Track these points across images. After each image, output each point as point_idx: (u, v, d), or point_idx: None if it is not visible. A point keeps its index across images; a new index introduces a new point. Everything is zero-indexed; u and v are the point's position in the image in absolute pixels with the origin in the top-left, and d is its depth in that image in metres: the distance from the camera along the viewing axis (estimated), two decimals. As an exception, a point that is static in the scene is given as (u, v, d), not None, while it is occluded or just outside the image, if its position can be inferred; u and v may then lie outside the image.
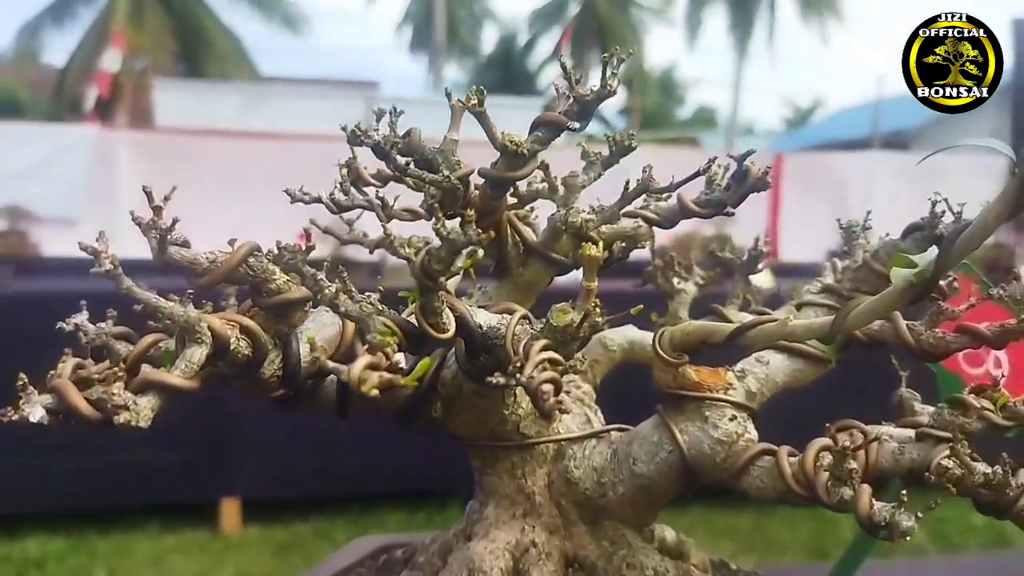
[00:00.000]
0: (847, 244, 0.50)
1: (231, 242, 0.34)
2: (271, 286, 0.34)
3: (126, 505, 2.02)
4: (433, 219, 0.33)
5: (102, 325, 0.36)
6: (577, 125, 0.42)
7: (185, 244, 0.33)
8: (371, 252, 0.51)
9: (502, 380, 0.32)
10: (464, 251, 0.34)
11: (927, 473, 0.38)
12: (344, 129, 0.44)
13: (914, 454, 0.40)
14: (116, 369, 0.30)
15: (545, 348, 0.33)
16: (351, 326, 0.37)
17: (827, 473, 0.36)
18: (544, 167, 0.48)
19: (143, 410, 0.29)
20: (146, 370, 0.31)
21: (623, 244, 0.54)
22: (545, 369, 0.32)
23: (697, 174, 0.46)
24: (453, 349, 0.44)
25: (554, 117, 0.41)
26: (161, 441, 1.99)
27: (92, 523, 1.96)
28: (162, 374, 0.30)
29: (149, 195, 0.33)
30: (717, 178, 0.48)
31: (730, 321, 0.49)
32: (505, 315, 0.38)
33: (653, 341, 0.44)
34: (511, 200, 0.50)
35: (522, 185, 0.50)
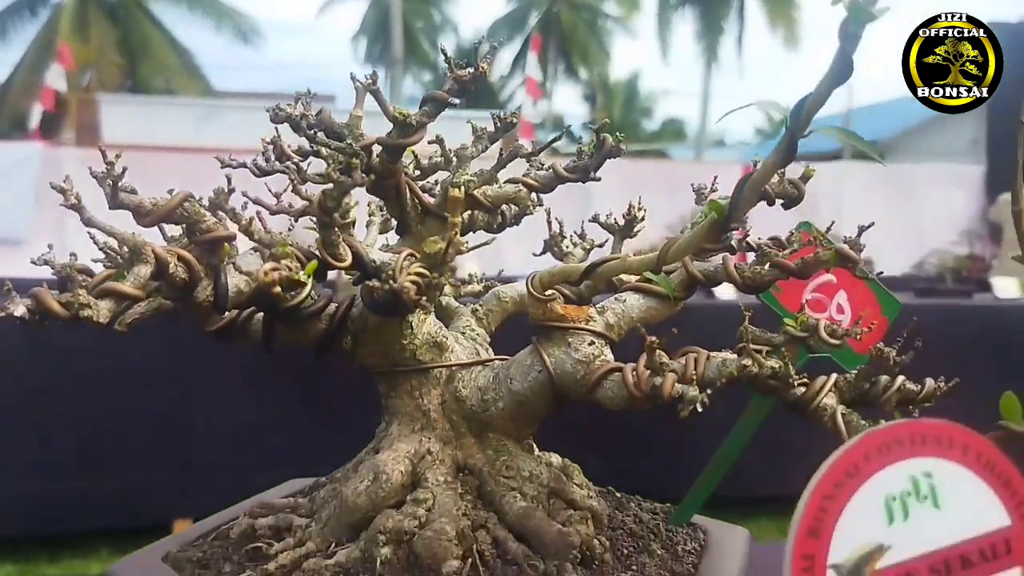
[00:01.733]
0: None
1: (170, 191, 0.44)
2: (202, 226, 0.44)
3: (75, 530, 2.03)
4: (326, 165, 0.44)
5: (66, 261, 0.45)
6: (457, 101, 0.52)
7: (133, 192, 0.43)
8: (295, 220, 0.61)
9: (377, 283, 0.42)
10: (351, 191, 0.45)
11: (736, 374, 0.48)
12: (267, 110, 0.54)
13: (732, 365, 0.51)
14: (81, 280, 0.40)
15: (418, 271, 0.43)
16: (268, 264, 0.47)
17: (648, 371, 0.47)
18: (440, 141, 0.59)
19: (102, 310, 0.39)
20: (105, 281, 0.40)
21: (514, 209, 0.65)
22: (415, 283, 0.42)
23: (554, 140, 0.57)
24: (360, 292, 0.55)
25: (438, 94, 0.51)
26: (116, 465, 2.03)
27: (42, 548, 1.98)
28: (116, 284, 0.40)
29: (103, 151, 0.43)
30: (587, 149, 0.59)
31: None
32: (397, 254, 0.49)
33: (527, 282, 0.55)
34: (416, 173, 0.60)
35: (424, 161, 0.61)
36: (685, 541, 0.58)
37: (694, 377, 0.48)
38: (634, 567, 0.52)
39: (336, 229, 0.45)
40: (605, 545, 0.53)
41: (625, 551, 0.54)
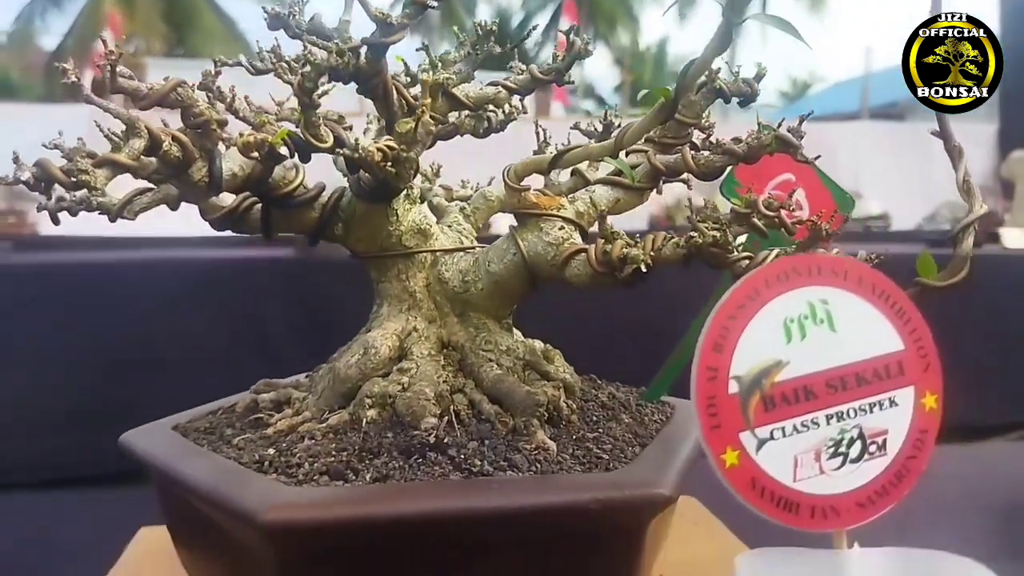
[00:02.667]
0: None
1: (166, 78, 0.48)
2: (195, 110, 0.48)
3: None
4: (304, 49, 0.47)
5: (74, 145, 0.50)
6: (436, 4, 0.55)
7: (131, 77, 0.47)
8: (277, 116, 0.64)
9: (346, 151, 0.46)
10: (327, 73, 0.48)
11: (683, 244, 0.51)
12: (264, 17, 0.57)
13: (684, 244, 0.54)
14: (82, 151, 0.44)
15: (386, 143, 0.47)
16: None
17: (605, 248, 0.51)
18: (425, 48, 0.62)
19: (100, 177, 0.43)
20: (103, 152, 0.45)
21: (500, 115, 0.68)
22: (380, 151, 0.46)
23: (524, 38, 0.60)
24: (348, 183, 0.59)
25: None
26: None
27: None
28: (113, 154, 0.44)
29: (104, 40, 0.47)
30: (559, 54, 0.62)
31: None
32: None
33: (503, 174, 0.59)
34: (407, 80, 0.64)
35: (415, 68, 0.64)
36: (653, 413, 0.62)
37: (651, 253, 0.51)
38: (600, 430, 0.56)
39: (317, 112, 0.48)
40: (572, 407, 0.57)
41: (594, 418, 0.58)
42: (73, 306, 2.72)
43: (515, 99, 0.66)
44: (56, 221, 0.54)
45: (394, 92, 0.56)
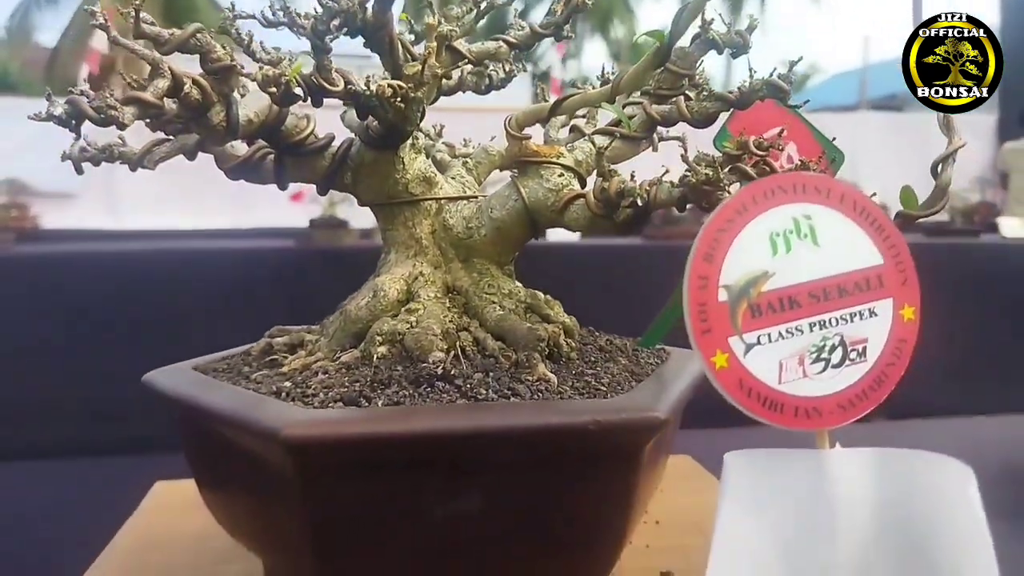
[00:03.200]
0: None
1: (185, 24, 0.50)
2: (213, 55, 0.50)
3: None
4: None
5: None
6: None
7: (152, 24, 0.50)
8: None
9: (358, 88, 0.48)
10: (338, 18, 0.50)
11: (677, 184, 0.54)
12: None
13: (677, 190, 0.56)
14: (108, 90, 0.46)
15: (401, 85, 0.49)
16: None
17: (603, 185, 0.53)
18: (429, 4, 0.64)
19: (127, 113, 0.46)
20: (128, 89, 0.47)
21: (503, 71, 0.70)
22: (391, 87, 0.48)
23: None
24: (356, 133, 0.61)
25: None
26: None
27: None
28: (140, 92, 0.46)
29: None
30: (558, 7, 0.64)
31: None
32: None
33: (504, 123, 0.61)
34: (411, 37, 0.66)
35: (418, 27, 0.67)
36: (649, 356, 0.64)
37: (653, 198, 0.54)
38: (598, 368, 0.58)
39: (325, 57, 0.50)
40: (571, 345, 0.59)
41: (592, 358, 0.60)
42: (77, 294, 2.75)
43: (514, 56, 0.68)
44: (80, 171, 0.57)
45: (399, 46, 0.58)
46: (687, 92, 0.62)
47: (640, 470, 0.51)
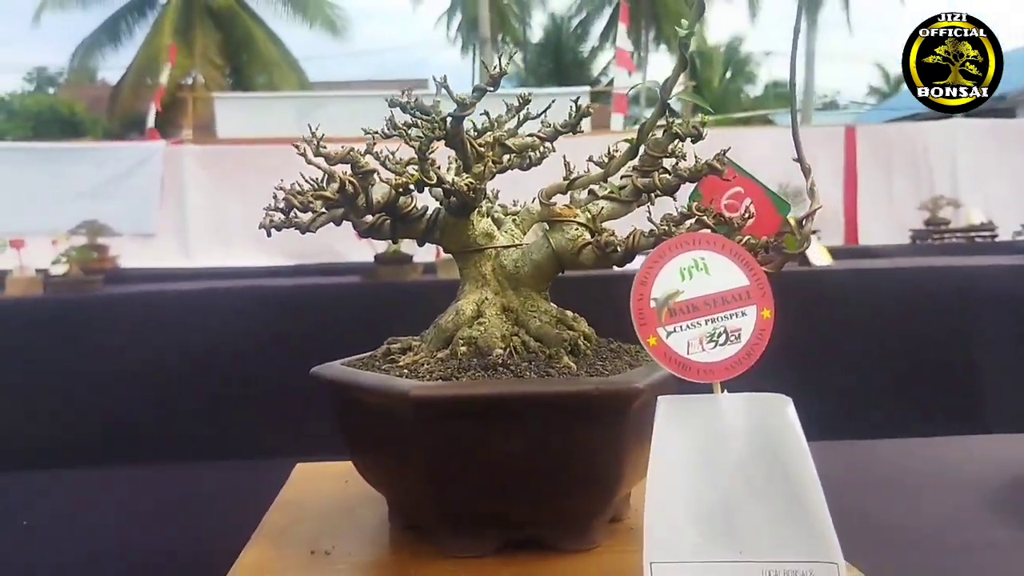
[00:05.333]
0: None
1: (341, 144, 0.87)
2: (359, 163, 0.86)
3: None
4: (412, 122, 0.85)
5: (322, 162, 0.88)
6: (494, 89, 0.92)
7: (325, 146, 0.86)
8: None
9: (446, 186, 0.84)
10: (432, 139, 0.86)
11: (647, 237, 0.87)
12: (385, 99, 0.96)
13: (649, 239, 0.89)
14: (300, 189, 0.83)
15: (468, 180, 0.85)
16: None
17: (586, 232, 0.87)
18: (486, 114, 1.00)
19: (318, 204, 0.82)
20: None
21: (536, 155, 1.05)
22: (461, 183, 0.84)
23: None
24: (441, 204, 0.96)
25: (481, 85, 0.92)
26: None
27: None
28: (322, 192, 0.83)
29: (312, 132, 0.86)
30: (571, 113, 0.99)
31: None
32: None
33: (537, 195, 0.96)
34: (474, 133, 1.02)
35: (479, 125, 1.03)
36: (647, 357, 0.98)
37: (630, 244, 0.88)
38: (606, 361, 0.92)
39: (427, 163, 0.86)
40: (588, 346, 0.93)
41: (604, 356, 0.94)
42: (167, 329, 3.21)
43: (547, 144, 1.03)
44: (269, 234, 0.93)
45: (467, 144, 0.94)
46: (664, 166, 0.96)
47: (627, 422, 0.84)
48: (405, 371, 0.89)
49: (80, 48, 18.92)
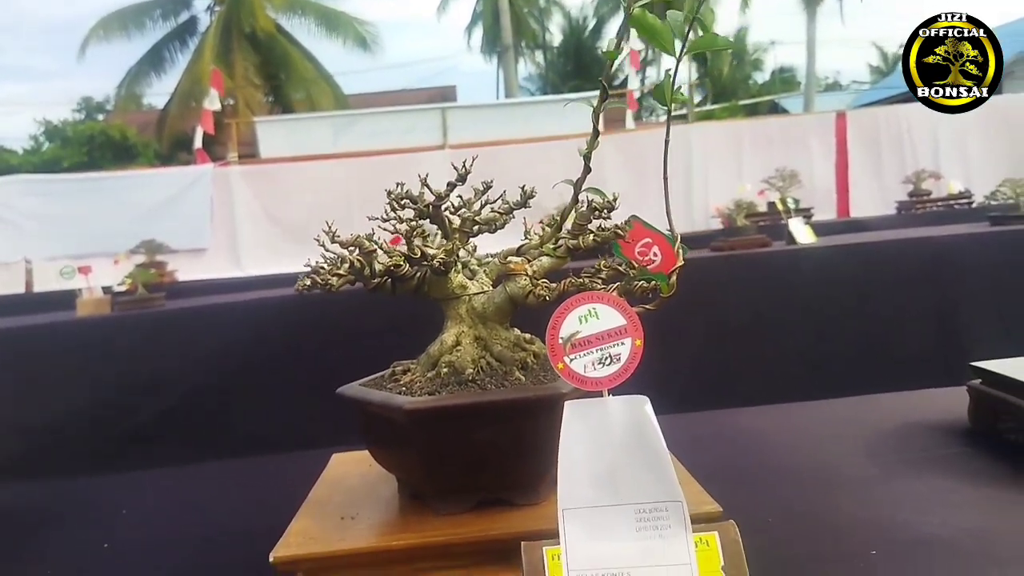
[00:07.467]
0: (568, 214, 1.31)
1: (352, 235, 1.19)
2: (364, 246, 1.19)
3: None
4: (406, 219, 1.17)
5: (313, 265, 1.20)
6: (463, 183, 1.24)
7: (337, 240, 1.18)
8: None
9: (426, 262, 1.16)
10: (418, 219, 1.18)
11: (572, 286, 1.18)
12: (388, 192, 1.28)
13: (576, 284, 1.20)
14: (324, 267, 1.15)
15: (442, 256, 1.17)
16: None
17: (530, 283, 1.19)
18: (467, 203, 1.32)
19: (334, 280, 1.15)
20: (330, 271, 1.16)
21: (501, 222, 1.37)
22: (436, 257, 1.15)
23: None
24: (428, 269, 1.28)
25: (457, 177, 1.23)
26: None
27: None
28: (339, 270, 1.15)
29: (328, 225, 1.18)
30: (509, 204, 1.31)
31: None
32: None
33: (496, 257, 1.27)
34: (448, 205, 1.33)
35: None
36: None
37: (560, 290, 1.19)
38: (549, 374, 1.24)
39: (414, 241, 1.18)
40: (535, 363, 1.25)
41: (548, 369, 1.26)
42: (224, 337, 3.57)
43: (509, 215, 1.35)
44: (301, 292, 1.26)
45: (446, 221, 1.26)
46: (590, 229, 1.27)
47: (557, 416, 1.15)
48: (403, 388, 1.21)
49: (127, 77, 19.53)
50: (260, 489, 1.70)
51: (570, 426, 1.01)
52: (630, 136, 9.47)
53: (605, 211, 1.25)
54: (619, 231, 1.19)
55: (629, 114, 11.35)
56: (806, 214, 7.26)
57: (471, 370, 1.22)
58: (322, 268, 1.16)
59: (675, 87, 1.14)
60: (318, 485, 1.34)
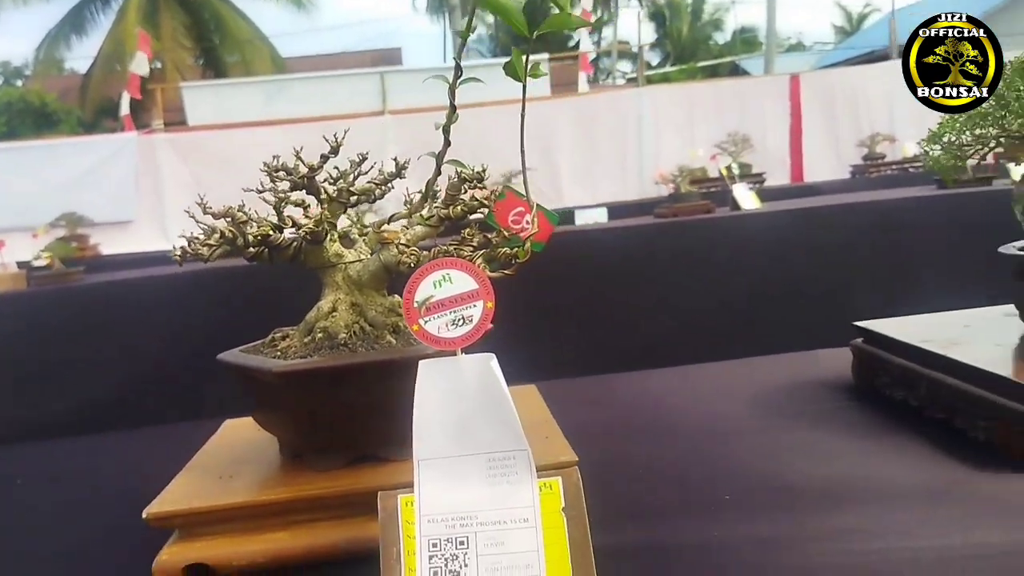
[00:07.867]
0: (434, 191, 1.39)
1: (225, 206, 1.26)
2: (237, 216, 1.26)
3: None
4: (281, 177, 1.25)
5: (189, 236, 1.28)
6: (315, 173, 1.32)
7: (210, 210, 1.26)
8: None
9: (296, 231, 1.24)
10: (295, 188, 1.26)
11: (447, 251, 1.27)
12: (264, 164, 1.35)
13: (443, 252, 1.29)
14: (200, 238, 1.23)
15: (313, 229, 1.25)
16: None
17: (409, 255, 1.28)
18: (341, 171, 1.40)
19: (203, 252, 1.22)
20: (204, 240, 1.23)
21: (380, 191, 1.45)
22: (306, 227, 1.24)
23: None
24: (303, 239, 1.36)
25: (324, 157, 1.31)
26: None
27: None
28: (209, 240, 1.23)
29: (201, 198, 1.26)
30: (384, 174, 1.39)
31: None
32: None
33: (372, 226, 1.36)
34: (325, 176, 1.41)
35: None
36: None
37: (430, 258, 1.28)
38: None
39: (283, 214, 1.26)
40: (407, 327, 1.34)
41: None
42: (143, 312, 3.60)
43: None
44: (180, 264, 1.33)
45: (321, 192, 1.34)
46: (463, 199, 1.36)
47: None
48: (278, 353, 1.30)
49: (46, 40, 18.93)
50: (158, 457, 1.78)
51: (424, 382, 1.10)
52: (584, 99, 9.51)
53: (475, 182, 1.34)
54: (485, 202, 1.28)
55: (583, 77, 11.37)
56: (757, 179, 7.42)
57: (344, 335, 1.30)
58: (196, 239, 1.24)
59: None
60: (204, 449, 1.42)
